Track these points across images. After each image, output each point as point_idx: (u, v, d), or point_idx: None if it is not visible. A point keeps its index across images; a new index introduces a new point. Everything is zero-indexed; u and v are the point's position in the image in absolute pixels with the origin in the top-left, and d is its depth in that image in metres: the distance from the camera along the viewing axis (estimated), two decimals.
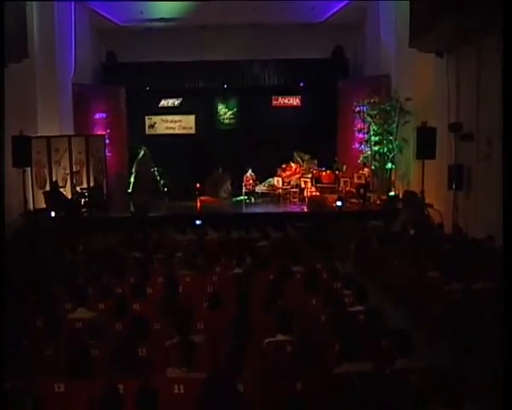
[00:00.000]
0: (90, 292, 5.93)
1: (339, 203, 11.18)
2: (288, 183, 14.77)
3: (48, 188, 12.57)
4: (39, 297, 5.47)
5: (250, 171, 14.91)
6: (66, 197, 12.65)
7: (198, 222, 9.45)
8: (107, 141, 14.96)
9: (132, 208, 12.66)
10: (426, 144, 10.87)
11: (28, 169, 11.64)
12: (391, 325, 4.77)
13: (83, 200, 12.99)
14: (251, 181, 14.81)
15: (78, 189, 13.34)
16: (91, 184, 13.69)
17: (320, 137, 15.60)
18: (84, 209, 12.74)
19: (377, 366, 3.48)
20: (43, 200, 12.27)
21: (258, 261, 7.34)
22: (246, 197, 14.88)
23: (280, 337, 4.26)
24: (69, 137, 13.47)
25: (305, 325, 4.69)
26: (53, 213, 11.88)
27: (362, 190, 13.01)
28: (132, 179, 15.48)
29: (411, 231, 10.11)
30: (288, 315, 4.44)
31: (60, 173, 13.09)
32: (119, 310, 4.85)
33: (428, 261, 6.78)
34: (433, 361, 3.88)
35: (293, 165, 15.22)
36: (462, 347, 4.32)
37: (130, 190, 15.37)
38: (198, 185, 15.32)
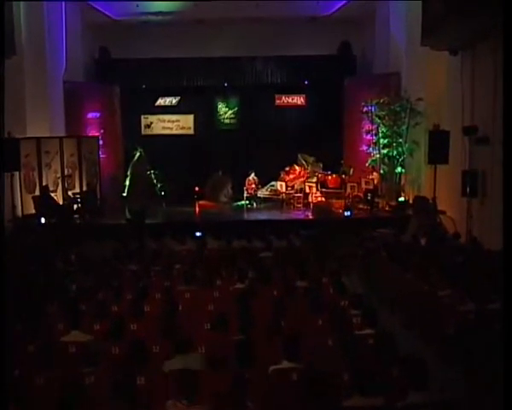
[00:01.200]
0: (84, 310, 5.96)
1: (347, 213, 11.17)
2: (292, 187, 14.77)
3: (38, 192, 12.57)
4: (29, 317, 5.46)
5: (253, 174, 14.93)
6: (57, 202, 12.66)
7: (198, 234, 9.46)
8: (101, 142, 14.97)
9: (128, 215, 12.64)
10: (438, 148, 10.88)
11: (16, 173, 11.67)
12: (401, 347, 4.78)
13: (75, 205, 12.99)
14: (253, 185, 14.81)
15: (69, 193, 13.32)
16: (84, 189, 13.70)
17: (325, 139, 15.64)
18: (76, 215, 12.73)
19: (388, 401, 3.49)
20: (32, 205, 12.27)
21: (261, 276, 7.35)
22: (247, 202, 14.89)
23: (285, 365, 4.27)
24: (60, 138, 13.47)
25: (311, 349, 4.70)
26: (43, 220, 11.90)
27: (369, 196, 12.98)
28: (127, 183, 15.51)
29: (422, 241, 10.13)
30: (294, 340, 4.44)
31: (50, 177, 13.08)
32: (116, 332, 4.86)
33: (441, 277, 6.77)
34: (448, 393, 3.88)
35: (297, 168, 15.23)
36: (477, 375, 4.33)
37: (125, 194, 15.40)
38: (197, 189, 15.39)
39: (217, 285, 7.36)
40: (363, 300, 5.94)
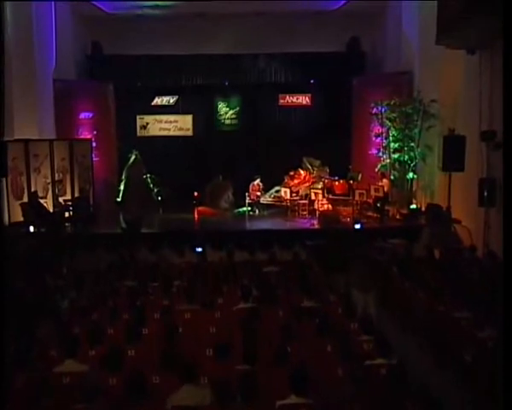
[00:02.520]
0: (78, 334, 5.97)
1: (357, 226, 11.19)
2: (297, 192, 14.77)
3: (26, 199, 12.56)
4: (17, 342, 5.45)
5: (258, 180, 14.92)
6: (47, 210, 12.64)
7: (199, 249, 9.51)
8: (94, 144, 14.99)
9: (123, 224, 12.65)
10: (453, 155, 10.88)
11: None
12: (415, 373, 4.79)
13: (66, 213, 12.99)
14: (257, 192, 14.81)
15: (60, 200, 13.32)
16: (76, 195, 13.70)
17: (332, 142, 15.65)
18: (67, 224, 12.75)
19: None
20: (20, 213, 12.24)
21: (266, 295, 7.35)
22: (249, 208, 14.90)
23: (293, 399, 4.28)
24: (50, 141, 13.48)
25: (320, 380, 4.71)
26: (32, 228, 11.89)
27: (379, 204, 12.98)
28: (122, 187, 15.51)
29: (436, 253, 10.13)
30: (302, 372, 4.46)
31: (40, 182, 13.09)
32: (113, 360, 4.87)
33: (457, 296, 6.78)
34: None
35: (301, 172, 15.23)
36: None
37: (119, 200, 15.42)
38: (196, 194, 15.39)
39: (218, 304, 7.38)
40: (374, 323, 5.95)
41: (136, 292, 7.72)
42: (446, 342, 5.88)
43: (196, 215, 14.69)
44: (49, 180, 13.28)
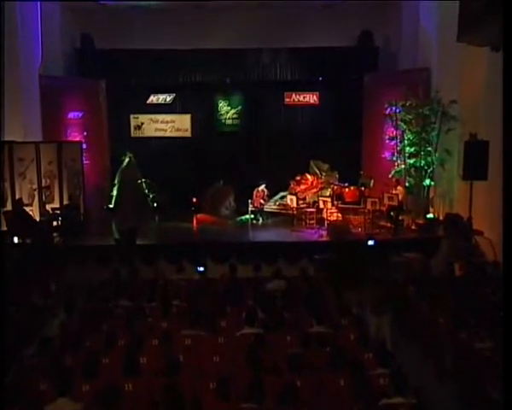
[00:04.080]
0: (70, 365, 5.96)
1: (370, 243, 11.18)
2: (303, 199, 14.75)
3: (10, 207, 12.57)
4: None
5: (263, 186, 14.90)
6: (33, 219, 12.62)
7: (200, 269, 9.54)
8: (84, 146, 14.97)
9: (117, 235, 12.64)
10: (475, 162, 10.86)
11: None
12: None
13: (54, 222, 12.96)
14: (261, 199, 14.80)
15: (48, 208, 13.32)
16: (65, 202, 13.67)
17: (342, 144, 15.66)
18: (55, 234, 12.69)
19: None
20: (3, 222, 12.26)
21: (272, 318, 7.35)
22: (252, 216, 14.88)
23: None
24: (37, 143, 13.46)
25: None
26: (16, 239, 11.86)
27: (393, 214, 12.96)
28: (115, 192, 15.55)
29: (457, 269, 10.13)
30: None
31: (25, 189, 13.11)
32: (109, 398, 4.85)
33: (480, 322, 6.77)
34: None
35: (309, 177, 15.23)
36: None
37: (112, 206, 15.44)
38: (194, 200, 15.42)
39: (221, 327, 7.38)
40: (390, 352, 5.94)
41: (132, 313, 7.71)
42: (470, 375, 5.86)
43: (195, 223, 14.72)
44: (35, 186, 13.28)
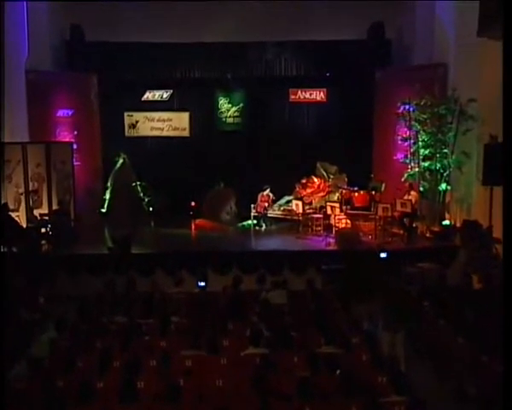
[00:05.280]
0: (62, 388, 5.95)
1: (383, 255, 11.19)
2: (310, 204, 14.77)
3: None
4: None
5: (268, 190, 14.96)
6: (19, 225, 12.63)
7: (201, 284, 9.54)
8: (75, 146, 15.02)
9: (110, 244, 12.65)
10: (496, 166, 10.84)
11: None
12: None
13: (43, 229, 12.94)
14: (266, 204, 14.82)
15: (35, 213, 13.33)
16: (54, 207, 13.68)
17: (351, 145, 15.73)
18: (44, 242, 12.71)
19: None
20: None
21: (278, 337, 7.35)
22: (255, 222, 14.91)
23: None
24: (23, 144, 13.48)
25: None
26: (1, 248, 11.84)
27: (406, 220, 12.96)
28: (108, 196, 15.59)
29: (475, 281, 10.11)
30: None
31: (11, 193, 13.14)
32: None
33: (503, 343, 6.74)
34: None
35: (315, 180, 15.26)
36: None
37: (104, 210, 15.46)
38: (193, 204, 15.43)
39: (224, 347, 7.36)
40: (406, 379, 5.93)
41: (128, 331, 7.70)
42: (491, 402, 5.86)
43: (194, 229, 14.73)
44: (21, 190, 13.30)
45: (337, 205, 13.92)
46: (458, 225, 13.17)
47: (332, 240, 13.09)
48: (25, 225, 12.91)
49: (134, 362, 6.51)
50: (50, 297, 9.83)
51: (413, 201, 13.14)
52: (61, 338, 7.64)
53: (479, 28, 10.53)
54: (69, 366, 6.56)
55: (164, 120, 16.93)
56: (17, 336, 8.09)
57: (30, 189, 13.43)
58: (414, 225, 13.21)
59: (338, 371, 6.23)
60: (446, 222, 13.42)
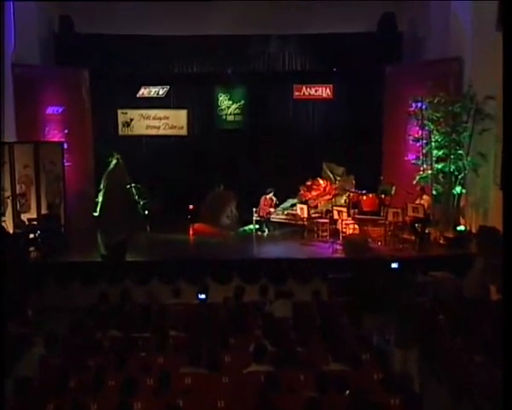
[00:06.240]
0: None
1: (394, 265, 11.21)
2: (315, 207, 14.78)
3: None
4: None
5: (272, 194, 14.99)
6: (6, 231, 12.58)
7: (202, 296, 9.55)
8: (65, 146, 15.00)
9: (104, 251, 12.65)
10: None
11: None
12: None
13: (31, 235, 12.94)
14: (268, 208, 14.83)
15: (23, 218, 13.32)
16: (43, 212, 13.70)
17: (359, 145, 15.70)
18: (32, 249, 12.70)
19: None
20: None
21: (283, 352, 7.34)
22: (257, 226, 14.91)
23: None
24: (10, 144, 13.43)
25: None
26: None
27: (418, 226, 12.95)
28: (101, 199, 15.61)
29: (493, 292, 10.08)
30: None
31: None
32: None
33: None
34: None
35: (321, 182, 15.30)
36: None
37: (97, 214, 15.47)
38: (191, 207, 15.44)
39: (225, 364, 7.36)
40: (421, 401, 5.94)
41: (123, 346, 7.70)
42: None
43: (192, 234, 14.73)
44: (8, 193, 13.24)
45: (344, 209, 13.93)
46: (474, 231, 13.17)
47: (339, 247, 13.10)
48: (11, 231, 12.84)
49: (130, 381, 6.51)
50: (39, 309, 9.83)
51: (425, 205, 13.11)
52: (52, 355, 7.63)
53: (498, 21, 10.47)
54: (60, 386, 6.54)
55: (160, 118, 16.98)
56: (2, 352, 8.08)
57: (17, 192, 13.41)
58: (426, 231, 13.18)
59: (347, 392, 6.25)
60: (461, 228, 13.39)
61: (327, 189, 15.16)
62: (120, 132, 16.87)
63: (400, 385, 6.56)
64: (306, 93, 17.07)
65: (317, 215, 14.53)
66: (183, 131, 17.00)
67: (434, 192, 13.71)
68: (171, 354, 7.64)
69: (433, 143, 13.62)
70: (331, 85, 16.92)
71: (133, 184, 15.62)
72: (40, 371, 7.24)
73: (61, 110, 15.43)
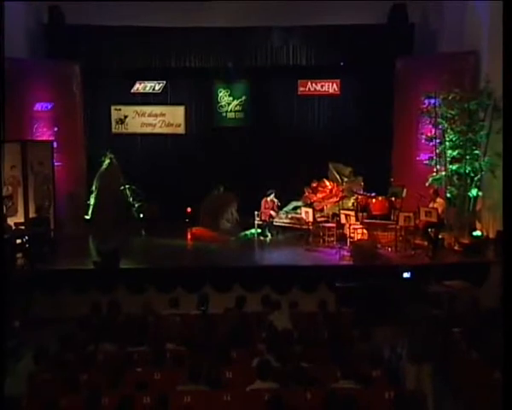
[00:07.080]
0: None
1: (406, 275, 11.19)
2: (321, 210, 14.77)
3: None
4: None
5: (273, 195, 15.00)
6: None
7: (202, 308, 9.57)
8: (55, 145, 15.02)
9: (96, 257, 12.63)
10: None
11: None
12: None
13: (18, 240, 12.90)
14: (270, 211, 14.83)
15: (10, 222, 13.27)
16: (31, 215, 13.72)
17: (367, 144, 15.75)
18: (19, 255, 12.69)
19: None
20: None
21: (288, 369, 7.32)
22: (259, 231, 14.91)
23: None
24: None
25: None
26: None
27: (431, 231, 12.92)
28: (93, 201, 15.61)
29: None
30: None
31: None
32: None
33: None
34: None
35: (327, 183, 15.33)
36: None
37: (88, 217, 15.49)
38: (189, 210, 15.45)
39: (227, 380, 7.34)
40: None
41: (117, 361, 7.68)
42: None
43: (190, 238, 14.73)
44: None
45: (352, 213, 13.91)
46: (491, 236, 13.18)
47: (346, 253, 13.09)
48: None
49: (126, 399, 6.49)
50: (27, 321, 9.82)
51: (439, 209, 13.07)
52: (41, 371, 7.61)
53: None
54: (51, 406, 6.51)
55: (156, 115, 17.05)
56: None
57: (3, 194, 13.30)
58: (440, 236, 13.17)
59: None
60: (477, 233, 13.42)
61: (333, 191, 15.17)
62: (114, 130, 16.92)
63: (413, 404, 6.54)
64: (312, 89, 17.12)
65: (322, 219, 14.53)
66: (181, 129, 17.04)
67: (449, 195, 13.72)
68: (168, 369, 7.63)
69: (447, 143, 13.64)
70: (338, 80, 16.98)
71: (127, 186, 15.65)
72: (29, 388, 7.21)
73: (50, 106, 15.44)
